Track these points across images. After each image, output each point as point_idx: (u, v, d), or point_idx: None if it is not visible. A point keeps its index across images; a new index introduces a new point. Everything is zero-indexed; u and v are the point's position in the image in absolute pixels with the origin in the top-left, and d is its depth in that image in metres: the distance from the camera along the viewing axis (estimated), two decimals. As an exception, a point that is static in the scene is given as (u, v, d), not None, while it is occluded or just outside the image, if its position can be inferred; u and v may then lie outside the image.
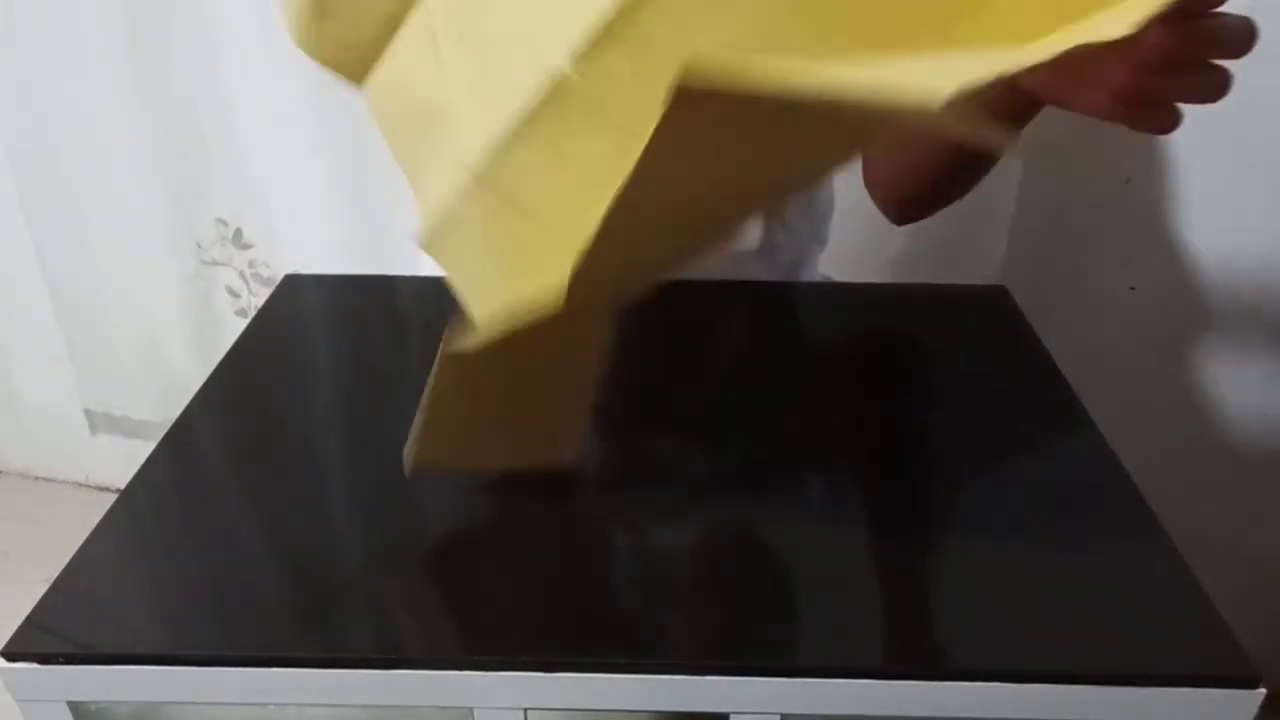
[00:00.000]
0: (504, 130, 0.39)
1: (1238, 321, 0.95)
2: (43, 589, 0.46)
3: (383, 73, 0.46)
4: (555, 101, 0.37)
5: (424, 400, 0.45)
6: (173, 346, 1.34)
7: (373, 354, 0.69)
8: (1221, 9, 0.40)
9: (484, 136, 0.40)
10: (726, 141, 0.34)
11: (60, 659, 0.43)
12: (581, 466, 0.56)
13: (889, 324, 0.72)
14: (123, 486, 0.54)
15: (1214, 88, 0.42)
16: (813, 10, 0.35)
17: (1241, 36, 0.40)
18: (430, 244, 0.46)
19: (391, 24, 0.44)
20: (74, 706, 0.45)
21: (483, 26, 0.41)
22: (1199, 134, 0.85)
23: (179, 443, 0.58)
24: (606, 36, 0.35)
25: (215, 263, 1.28)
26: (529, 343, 0.41)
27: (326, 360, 0.68)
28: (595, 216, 0.38)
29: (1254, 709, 0.41)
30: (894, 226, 0.75)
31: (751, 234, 0.78)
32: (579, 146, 0.39)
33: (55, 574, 0.47)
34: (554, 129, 0.38)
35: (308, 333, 0.72)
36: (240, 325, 0.72)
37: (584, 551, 0.49)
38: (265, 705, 0.45)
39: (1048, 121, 0.52)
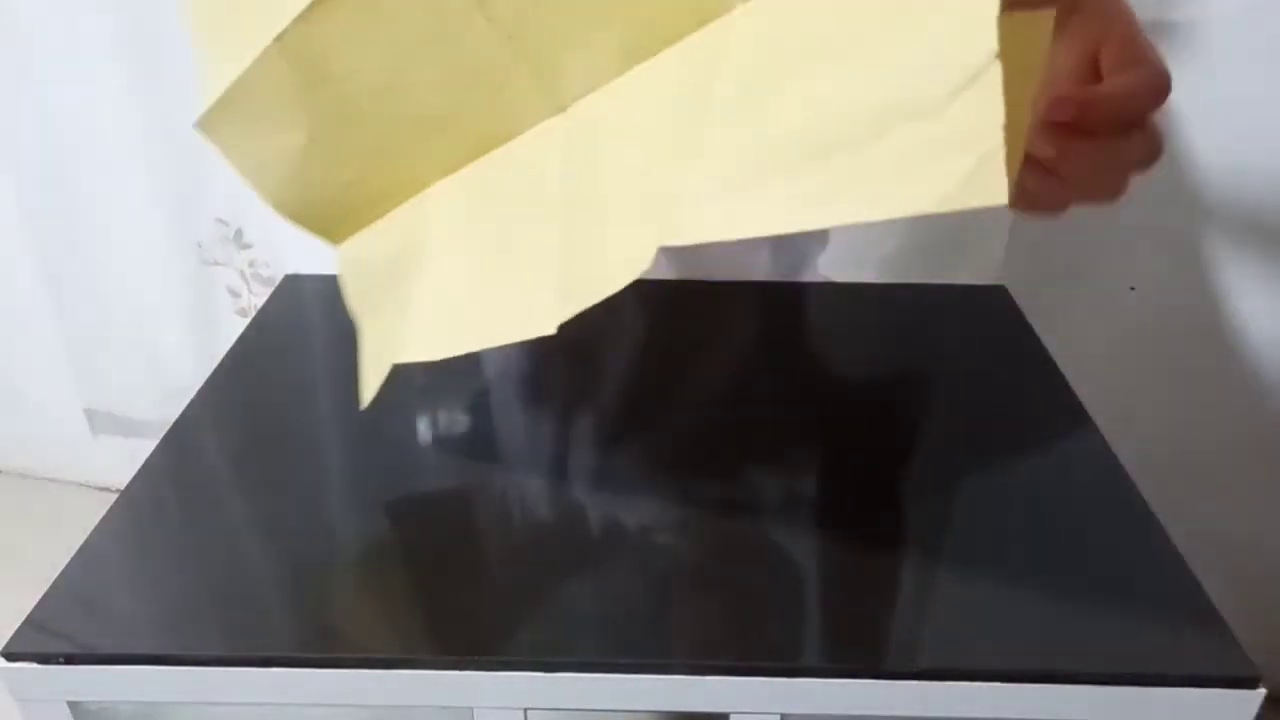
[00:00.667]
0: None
1: (1237, 321, 0.95)
2: (43, 589, 0.46)
3: None
4: None
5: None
6: (173, 346, 1.34)
7: (373, 354, 0.69)
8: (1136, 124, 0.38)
9: (295, 7, 0.40)
10: None
11: (60, 659, 0.43)
12: (579, 469, 0.56)
13: (889, 324, 0.72)
14: (123, 486, 0.54)
15: (1099, 196, 0.40)
16: None
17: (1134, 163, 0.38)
18: (209, 124, 0.48)
19: None
20: (74, 706, 0.45)
21: None
22: (1199, 133, 0.85)
23: (179, 443, 0.58)
24: None
25: (215, 263, 1.28)
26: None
27: (326, 360, 0.68)
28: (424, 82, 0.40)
29: (1254, 709, 0.41)
30: (894, 227, 0.75)
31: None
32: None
33: (55, 574, 0.47)
34: None
35: (308, 333, 0.72)
36: (240, 325, 0.72)
37: (584, 551, 0.49)
38: (265, 705, 0.45)
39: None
